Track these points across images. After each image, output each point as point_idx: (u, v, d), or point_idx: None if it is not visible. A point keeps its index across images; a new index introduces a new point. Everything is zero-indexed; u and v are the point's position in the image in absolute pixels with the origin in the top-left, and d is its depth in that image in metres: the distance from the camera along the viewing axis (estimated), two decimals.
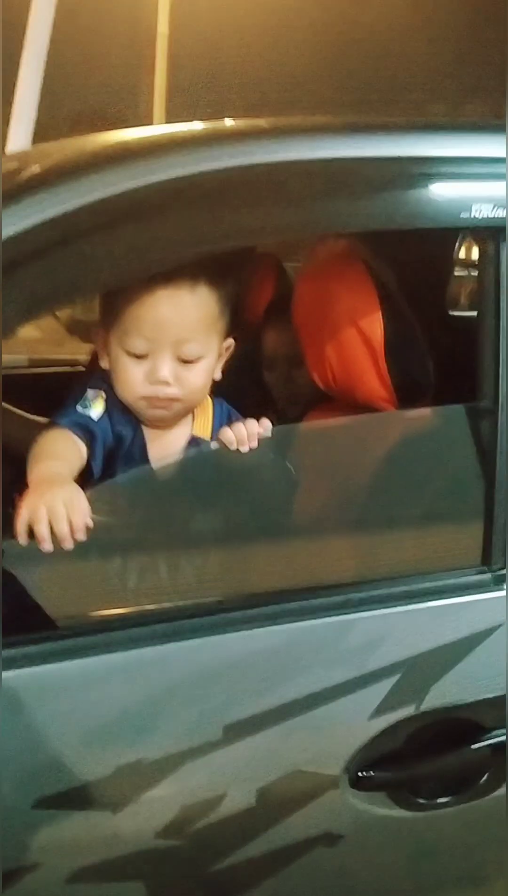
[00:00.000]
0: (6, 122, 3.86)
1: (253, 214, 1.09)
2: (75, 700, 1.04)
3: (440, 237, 1.29)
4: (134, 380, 1.21)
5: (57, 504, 1.01)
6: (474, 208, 1.13)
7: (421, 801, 1.17)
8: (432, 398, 1.37)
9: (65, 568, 1.07)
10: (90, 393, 1.24)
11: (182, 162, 1.07)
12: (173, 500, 1.20)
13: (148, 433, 1.26)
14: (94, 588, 1.15)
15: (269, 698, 1.09)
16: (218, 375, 1.26)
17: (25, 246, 1.00)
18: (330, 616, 1.12)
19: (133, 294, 1.18)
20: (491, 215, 1.13)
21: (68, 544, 1.01)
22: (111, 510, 1.13)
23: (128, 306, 1.19)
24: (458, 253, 1.31)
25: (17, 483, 1.09)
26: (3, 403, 1.80)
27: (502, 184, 1.14)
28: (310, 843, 1.13)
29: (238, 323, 1.32)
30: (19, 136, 3.81)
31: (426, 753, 1.17)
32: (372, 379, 1.36)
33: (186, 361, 1.21)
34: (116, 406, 1.24)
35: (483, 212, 1.13)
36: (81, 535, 1.01)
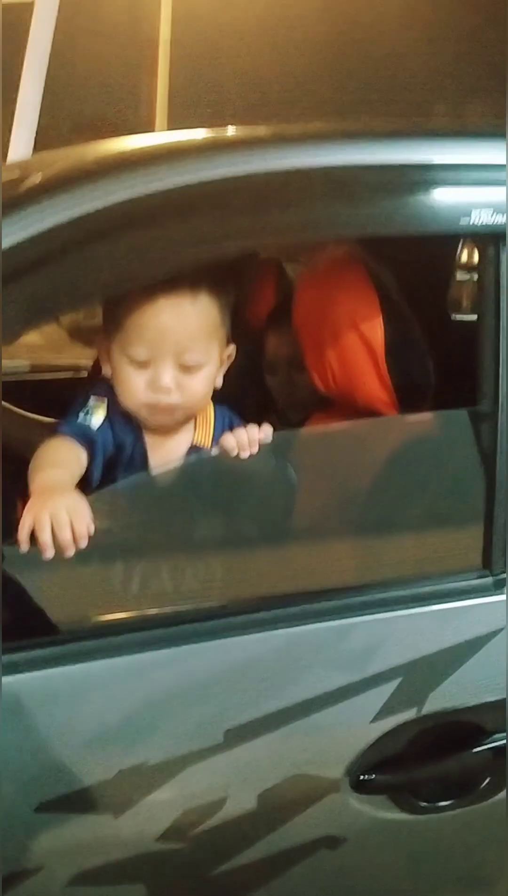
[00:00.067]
0: (8, 128, 3.86)
1: (253, 222, 1.10)
2: (77, 704, 1.04)
3: (442, 241, 1.30)
4: (136, 387, 1.22)
5: (60, 511, 1.02)
6: (473, 214, 1.13)
7: (423, 804, 1.17)
8: (432, 402, 1.37)
9: (66, 573, 1.08)
10: (92, 400, 1.25)
11: (183, 171, 1.07)
12: (174, 506, 1.21)
13: (149, 440, 1.26)
14: (95, 593, 1.15)
15: (270, 702, 1.09)
16: (219, 383, 1.27)
17: (27, 254, 1.00)
18: (331, 620, 1.13)
19: (135, 302, 1.18)
20: (491, 221, 1.14)
21: (71, 552, 1.02)
22: (113, 516, 1.14)
23: (130, 314, 1.19)
24: (459, 257, 1.31)
25: (18, 488, 1.10)
26: (4, 404, 1.81)
27: (501, 189, 1.14)
28: (312, 847, 1.14)
29: (241, 328, 1.33)
30: (21, 141, 3.82)
31: (427, 757, 1.17)
32: (373, 382, 1.36)
33: (187, 369, 1.22)
34: (117, 413, 1.25)
35: (482, 217, 1.13)
36: (84, 543, 1.02)
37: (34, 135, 3.95)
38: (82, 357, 2.19)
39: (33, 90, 3.94)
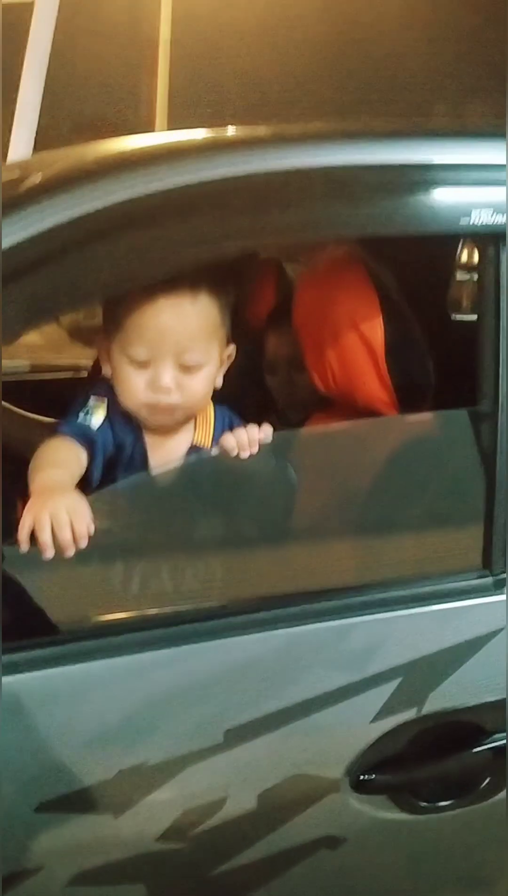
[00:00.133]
0: (8, 128, 3.86)
1: (253, 223, 1.10)
2: (77, 704, 1.04)
3: (442, 241, 1.30)
4: (136, 387, 1.22)
5: (60, 512, 1.02)
6: (473, 214, 1.13)
7: (423, 804, 1.18)
8: (432, 401, 1.37)
9: (66, 573, 1.08)
10: (92, 400, 1.25)
11: (183, 171, 1.07)
12: (174, 506, 1.21)
13: (149, 440, 1.26)
14: (95, 593, 1.16)
15: (270, 702, 1.09)
16: (219, 383, 1.27)
17: (27, 254, 1.01)
18: (331, 620, 1.13)
19: (135, 303, 1.19)
20: (491, 221, 1.14)
21: (71, 552, 1.02)
22: (113, 516, 1.14)
23: (130, 315, 1.19)
24: (459, 257, 1.31)
25: (18, 488, 1.10)
26: (4, 404, 1.81)
27: (500, 189, 1.14)
28: (312, 847, 1.14)
29: (241, 327, 1.33)
30: (22, 141, 3.82)
31: (427, 757, 1.17)
32: (373, 382, 1.36)
33: (187, 369, 1.22)
34: (117, 413, 1.25)
35: (482, 217, 1.14)
36: (84, 543, 1.02)
37: (34, 135, 3.95)
38: (82, 357, 2.19)
39: (33, 90, 3.94)
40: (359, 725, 1.13)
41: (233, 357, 1.29)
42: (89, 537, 1.03)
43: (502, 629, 1.17)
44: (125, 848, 1.07)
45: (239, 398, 1.34)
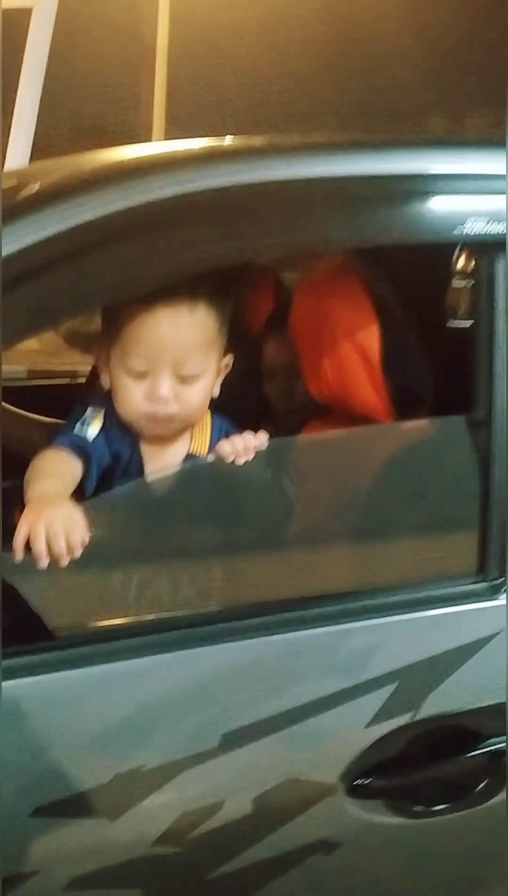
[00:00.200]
0: (6, 135, 3.86)
1: (250, 232, 1.11)
2: (75, 709, 1.05)
3: (438, 249, 1.30)
4: (134, 398, 1.23)
5: (55, 522, 1.04)
6: (468, 223, 1.14)
7: (418, 808, 1.18)
8: (429, 408, 1.37)
9: (64, 579, 1.08)
10: (89, 412, 1.26)
11: (179, 180, 1.08)
12: (171, 513, 1.22)
13: (146, 450, 1.27)
14: (93, 599, 1.16)
15: (266, 707, 1.10)
16: (217, 392, 1.28)
17: (24, 264, 1.01)
18: (327, 626, 1.13)
19: (133, 314, 1.19)
20: (485, 230, 1.15)
21: (65, 562, 1.03)
22: (110, 524, 1.15)
23: (128, 326, 1.20)
24: (455, 265, 1.32)
25: (15, 496, 1.11)
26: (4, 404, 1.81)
27: (495, 198, 1.15)
28: (307, 851, 1.14)
29: (239, 334, 1.33)
30: (19, 148, 3.82)
31: (422, 761, 1.18)
32: (369, 391, 1.36)
33: (185, 380, 1.22)
34: (114, 424, 1.25)
35: (477, 227, 1.14)
36: (78, 553, 1.04)
37: (31, 143, 3.95)
38: (80, 362, 2.19)
39: (31, 99, 3.94)
40: (355, 730, 1.14)
41: (230, 367, 1.29)
42: (86, 546, 1.04)
43: (497, 634, 1.18)
44: (122, 852, 1.07)
45: (236, 404, 1.35)
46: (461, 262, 1.18)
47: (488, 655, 1.18)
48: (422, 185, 1.14)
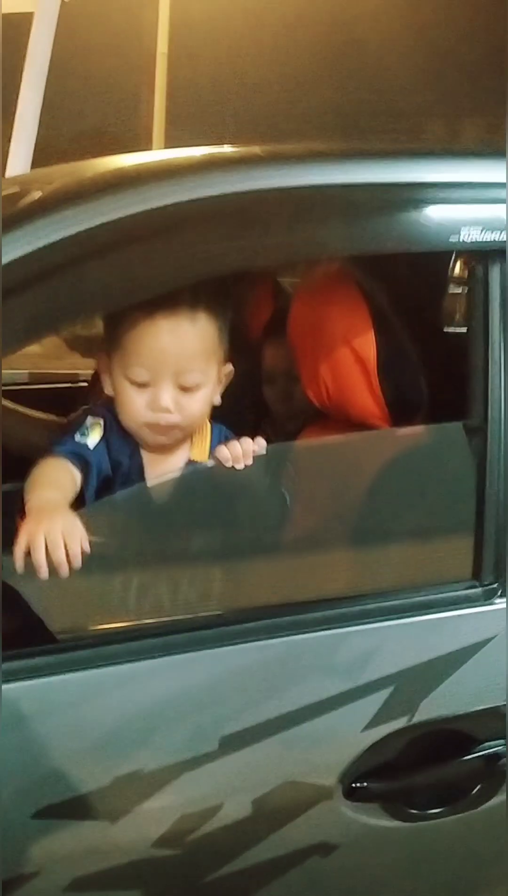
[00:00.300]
0: (7, 141, 3.87)
1: (248, 240, 1.11)
2: (74, 712, 1.05)
3: (433, 257, 1.32)
4: (136, 407, 1.24)
5: (55, 532, 1.04)
6: (463, 232, 1.15)
7: (414, 811, 1.19)
8: (426, 414, 1.38)
9: (64, 583, 1.09)
10: (89, 420, 1.26)
11: (180, 188, 1.09)
12: (171, 517, 1.23)
13: (146, 457, 1.28)
14: (93, 602, 1.17)
15: (264, 710, 1.11)
16: (217, 401, 1.29)
17: (25, 271, 1.02)
18: (324, 630, 1.14)
19: (135, 324, 1.20)
20: (480, 238, 1.16)
21: (64, 571, 1.04)
22: (110, 529, 1.16)
23: (130, 336, 1.21)
24: (451, 273, 1.34)
25: (16, 503, 1.11)
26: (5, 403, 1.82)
27: (489, 207, 1.16)
28: (304, 853, 1.15)
29: (238, 339, 1.34)
30: (20, 155, 3.82)
31: (418, 765, 1.19)
32: (366, 398, 1.37)
33: (186, 389, 1.23)
34: (114, 432, 1.26)
35: (471, 235, 1.16)
36: (78, 562, 1.04)
37: (32, 150, 3.96)
38: (81, 365, 2.20)
39: (32, 106, 3.94)
40: (352, 733, 1.15)
41: (231, 376, 1.30)
42: (87, 553, 1.05)
43: (492, 638, 1.19)
44: (122, 854, 1.08)
45: (236, 408, 1.36)
46: (456, 270, 1.20)
47: (483, 659, 1.19)
48: (418, 194, 1.15)
